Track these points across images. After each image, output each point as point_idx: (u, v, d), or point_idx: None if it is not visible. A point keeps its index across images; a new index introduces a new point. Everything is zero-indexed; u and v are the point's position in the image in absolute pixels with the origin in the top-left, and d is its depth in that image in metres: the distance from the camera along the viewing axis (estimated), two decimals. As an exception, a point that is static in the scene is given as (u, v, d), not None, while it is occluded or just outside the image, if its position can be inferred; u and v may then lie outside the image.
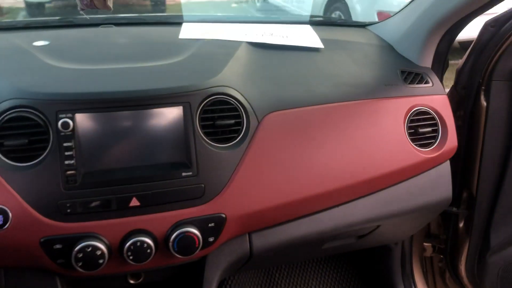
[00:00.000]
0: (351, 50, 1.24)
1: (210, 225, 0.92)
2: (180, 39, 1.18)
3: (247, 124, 0.96)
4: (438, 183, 1.15)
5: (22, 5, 5.96)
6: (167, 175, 0.90)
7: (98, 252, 0.85)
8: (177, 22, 1.32)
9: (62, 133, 0.85)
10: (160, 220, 0.89)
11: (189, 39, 1.17)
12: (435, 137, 1.12)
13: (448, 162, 1.16)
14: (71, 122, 0.85)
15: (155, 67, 1.00)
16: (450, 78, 1.30)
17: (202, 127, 0.93)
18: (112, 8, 0.85)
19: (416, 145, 1.09)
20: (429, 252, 1.46)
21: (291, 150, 0.98)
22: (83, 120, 0.86)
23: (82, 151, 0.86)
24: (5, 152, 0.84)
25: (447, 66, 1.24)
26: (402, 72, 1.17)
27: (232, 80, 0.98)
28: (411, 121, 1.10)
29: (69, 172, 0.85)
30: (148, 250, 0.88)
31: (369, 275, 1.63)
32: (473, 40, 1.20)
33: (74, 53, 1.07)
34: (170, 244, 0.89)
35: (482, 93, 1.19)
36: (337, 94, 1.07)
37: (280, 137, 0.98)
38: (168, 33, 1.27)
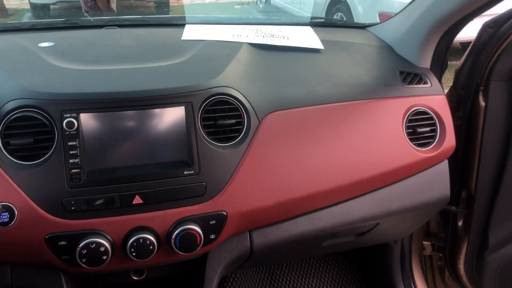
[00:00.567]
0: (351, 51, 1.26)
1: (211, 222, 0.94)
2: (183, 40, 1.20)
3: (247, 123, 0.97)
4: (436, 182, 1.16)
5: (28, 6, 6.01)
6: (169, 173, 0.91)
7: (102, 249, 0.87)
8: (180, 23, 1.34)
9: (67, 132, 0.87)
10: (162, 217, 0.91)
11: (192, 40, 1.19)
12: (433, 137, 1.13)
13: (446, 161, 1.17)
14: (75, 122, 0.87)
15: (157, 67, 1.02)
16: (451, 78, 1.31)
17: (204, 126, 0.95)
18: (115, 11, 0.87)
19: (414, 144, 1.10)
20: (428, 251, 1.47)
21: (291, 149, 1.00)
22: (87, 120, 0.88)
23: (86, 150, 0.88)
24: (11, 151, 0.87)
25: (446, 66, 1.25)
26: (401, 72, 1.18)
27: (233, 81, 1.00)
28: (410, 121, 1.11)
29: (73, 171, 0.87)
30: (151, 247, 0.89)
31: (369, 273, 1.65)
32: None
33: (78, 54, 1.09)
34: (172, 241, 0.91)
35: (481, 93, 1.21)
36: (337, 94, 1.08)
37: (280, 137, 1.00)
38: (171, 34, 1.28)
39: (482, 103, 1.21)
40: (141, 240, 0.89)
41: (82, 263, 0.87)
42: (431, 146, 1.12)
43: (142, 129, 0.91)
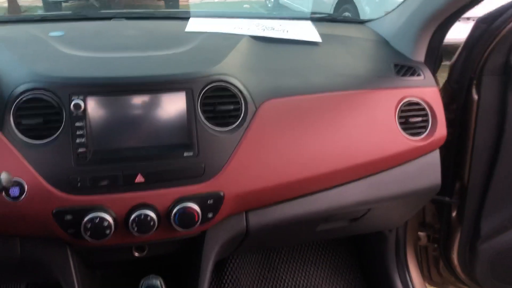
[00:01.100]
0: (348, 44, 1.30)
1: (209, 202, 0.99)
2: (186, 32, 1.25)
3: (245, 110, 1.02)
4: (427, 171, 1.20)
5: (40, 4, 6.13)
6: (170, 155, 0.97)
7: (105, 223, 0.92)
8: (184, 17, 1.40)
9: (74, 114, 0.92)
10: (163, 195, 0.97)
11: (195, 32, 1.25)
12: (425, 127, 1.17)
13: (437, 151, 1.21)
14: (82, 104, 0.92)
15: (161, 56, 1.07)
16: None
17: (203, 112, 1.00)
18: None
19: (406, 133, 1.14)
20: (423, 241, 1.50)
21: (286, 134, 1.04)
22: (93, 103, 0.94)
23: (92, 131, 0.94)
24: (22, 131, 0.92)
25: (441, 60, 1.28)
26: (396, 65, 1.22)
27: (233, 69, 1.05)
28: (402, 111, 1.15)
29: (80, 150, 0.93)
30: (152, 223, 0.95)
31: (365, 262, 1.69)
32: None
33: (87, 42, 1.15)
34: (172, 218, 0.96)
35: (474, 87, 1.24)
36: (332, 84, 1.13)
37: (276, 123, 1.04)
38: (176, 26, 1.34)
39: (475, 97, 1.24)
40: (142, 216, 0.94)
41: (87, 236, 0.93)
42: (423, 136, 1.16)
43: (145, 113, 0.96)
